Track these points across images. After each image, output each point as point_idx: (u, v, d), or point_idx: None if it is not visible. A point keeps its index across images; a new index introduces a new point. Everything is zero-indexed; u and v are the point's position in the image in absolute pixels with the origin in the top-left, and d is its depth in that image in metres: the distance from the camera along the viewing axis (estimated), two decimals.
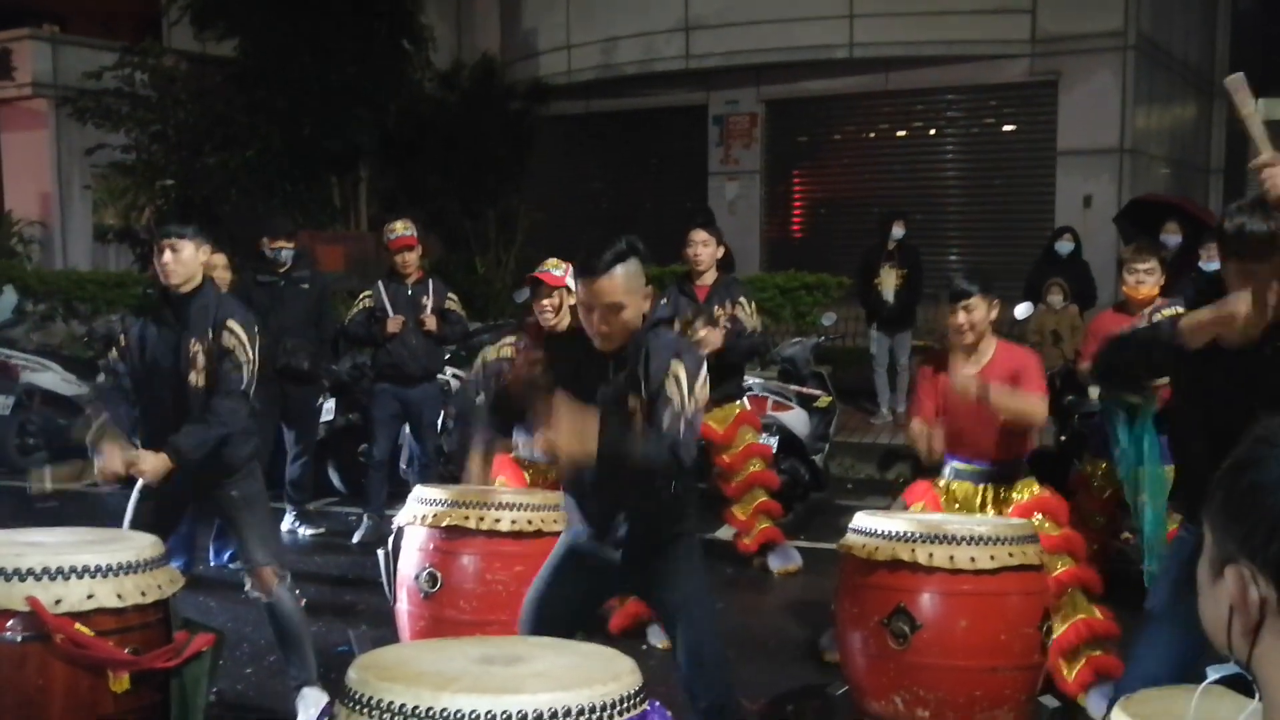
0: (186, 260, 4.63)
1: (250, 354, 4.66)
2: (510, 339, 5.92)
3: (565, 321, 5.43)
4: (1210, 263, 7.12)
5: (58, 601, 3.24)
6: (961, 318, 4.87)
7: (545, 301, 5.51)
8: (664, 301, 7.20)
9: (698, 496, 3.73)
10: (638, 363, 3.45)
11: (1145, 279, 6.24)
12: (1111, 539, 6.65)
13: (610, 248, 3.39)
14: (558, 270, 5.42)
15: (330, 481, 9.39)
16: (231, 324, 4.64)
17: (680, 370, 3.41)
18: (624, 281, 3.37)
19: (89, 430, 4.55)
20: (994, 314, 4.93)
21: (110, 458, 4.45)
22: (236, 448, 4.74)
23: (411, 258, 7.85)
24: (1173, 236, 9.46)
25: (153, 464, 4.47)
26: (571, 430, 3.29)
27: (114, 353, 4.79)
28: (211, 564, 7.23)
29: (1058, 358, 9.02)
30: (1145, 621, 3.65)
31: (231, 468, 4.74)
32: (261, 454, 5.25)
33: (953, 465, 5.04)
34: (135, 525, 4.43)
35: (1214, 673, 1.42)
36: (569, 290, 3.75)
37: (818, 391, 9.24)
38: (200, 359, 4.62)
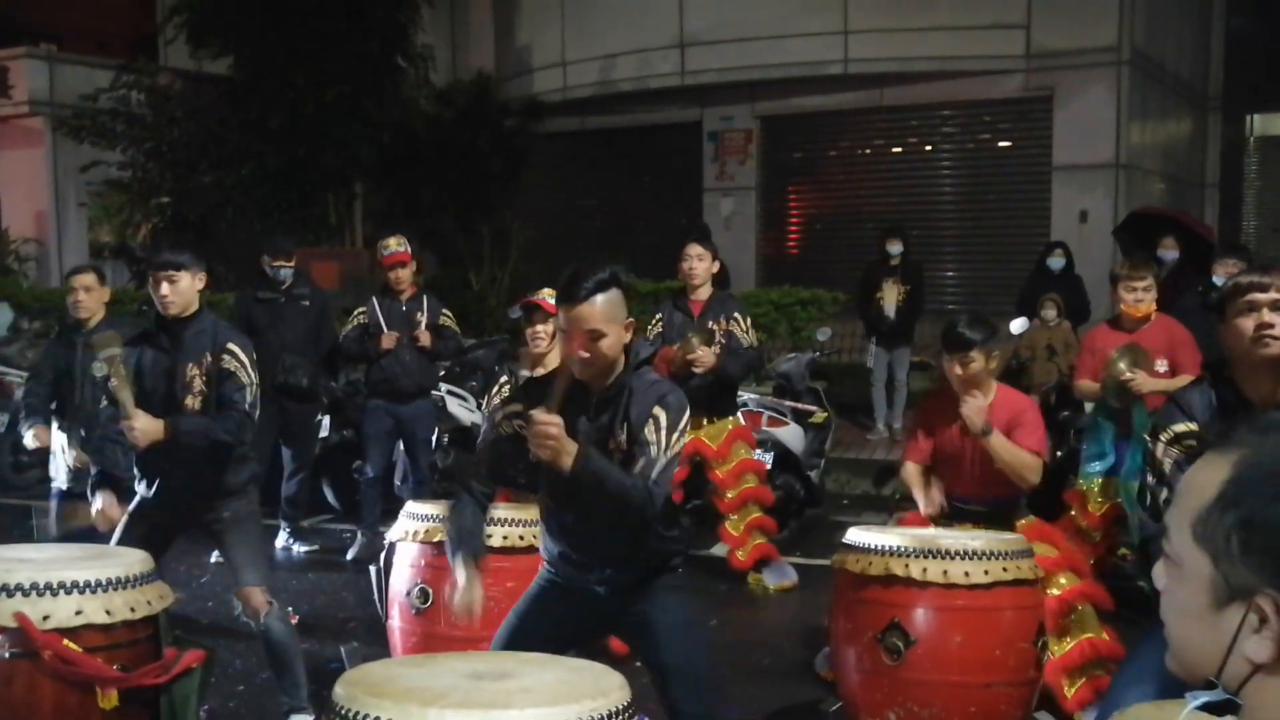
0: (184, 290, 4.64)
1: (252, 377, 4.67)
2: (504, 379, 5.90)
3: (556, 351, 5.42)
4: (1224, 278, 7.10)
5: (46, 617, 3.22)
6: (958, 370, 4.79)
7: (540, 327, 5.45)
8: (658, 317, 7.18)
9: (685, 535, 3.60)
10: (620, 405, 3.41)
11: (1143, 296, 6.22)
12: (1109, 555, 6.63)
13: (593, 274, 3.34)
14: (553, 299, 5.40)
15: (324, 498, 9.36)
16: (232, 347, 4.66)
17: (662, 416, 3.35)
18: (604, 309, 3.32)
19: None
20: (992, 364, 4.81)
21: (108, 505, 4.75)
22: (234, 472, 4.74)
23: (405, 274, 7.85)
24: (1170, 252, 9.46)
25: (146, 424, 4.46)
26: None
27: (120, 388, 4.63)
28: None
29: (1052, 372, 9.02)
30: (1148, 630, 3.59)
31: (227, 491, 4.73)
32: (259, 473, 5.22)
33: (950, 503, 5.01)
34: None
35: (1194, 699, 1.37)
36: None
37: (813, 407, 9.22)
38: (196, 383, 4.62)
